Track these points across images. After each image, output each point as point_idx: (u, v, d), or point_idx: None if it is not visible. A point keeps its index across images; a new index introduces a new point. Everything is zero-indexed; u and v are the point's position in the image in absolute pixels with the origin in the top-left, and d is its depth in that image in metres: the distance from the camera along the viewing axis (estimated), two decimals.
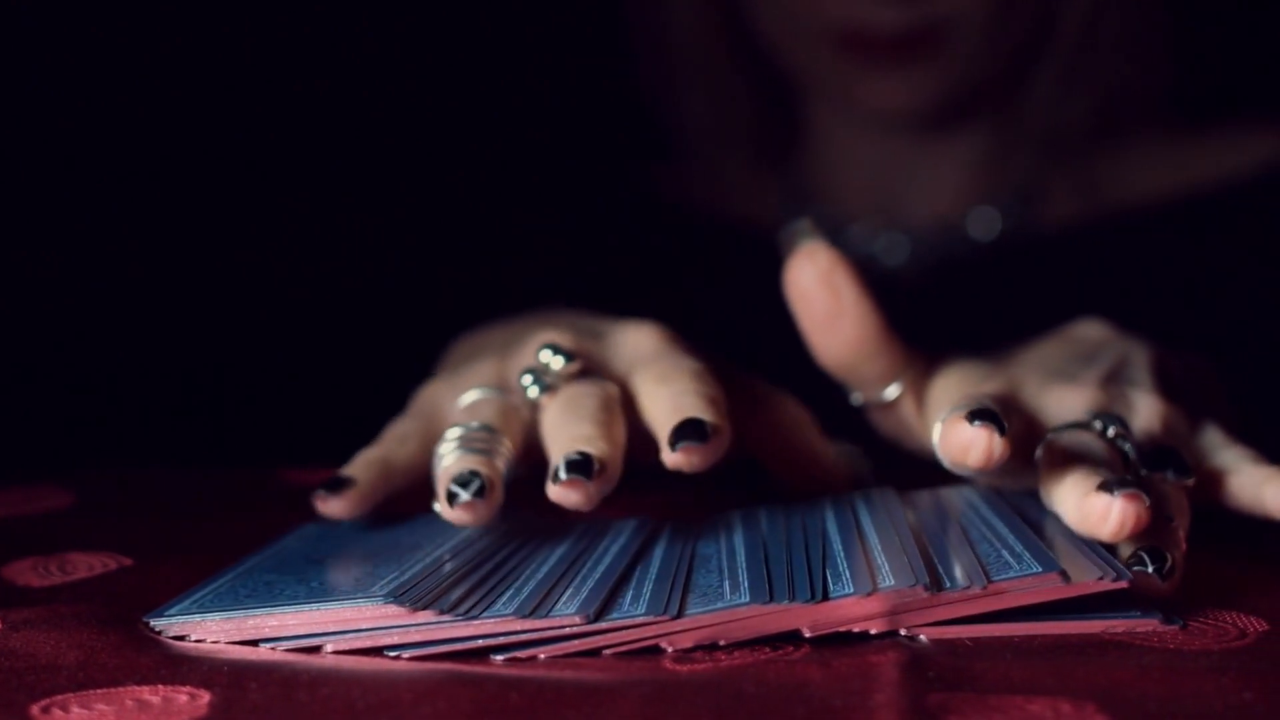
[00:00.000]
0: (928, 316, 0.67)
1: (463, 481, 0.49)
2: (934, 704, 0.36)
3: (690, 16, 0.96)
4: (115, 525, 0.58)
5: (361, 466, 0.55)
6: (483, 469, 0.49)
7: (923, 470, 0.56)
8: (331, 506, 0.54)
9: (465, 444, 0.51)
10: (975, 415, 0.48)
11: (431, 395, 0.59)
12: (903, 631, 0.42)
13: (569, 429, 0.50)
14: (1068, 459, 0.50)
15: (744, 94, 0.98)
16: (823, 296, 0.57)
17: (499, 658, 0.41)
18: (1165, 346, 0.62)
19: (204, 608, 0.45)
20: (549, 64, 1.02)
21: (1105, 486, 0.46)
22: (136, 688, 0.39)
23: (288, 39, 0.99)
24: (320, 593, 0.45)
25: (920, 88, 0.88)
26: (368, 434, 0.59)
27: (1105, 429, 0.52)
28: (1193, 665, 0.39)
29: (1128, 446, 0.51)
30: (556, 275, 0.93)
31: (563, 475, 0.47)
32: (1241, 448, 0.54)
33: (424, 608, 0.42)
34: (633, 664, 0.40)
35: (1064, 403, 0.55)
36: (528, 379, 0.54)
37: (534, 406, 0.54)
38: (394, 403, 0.61)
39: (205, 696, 0.38)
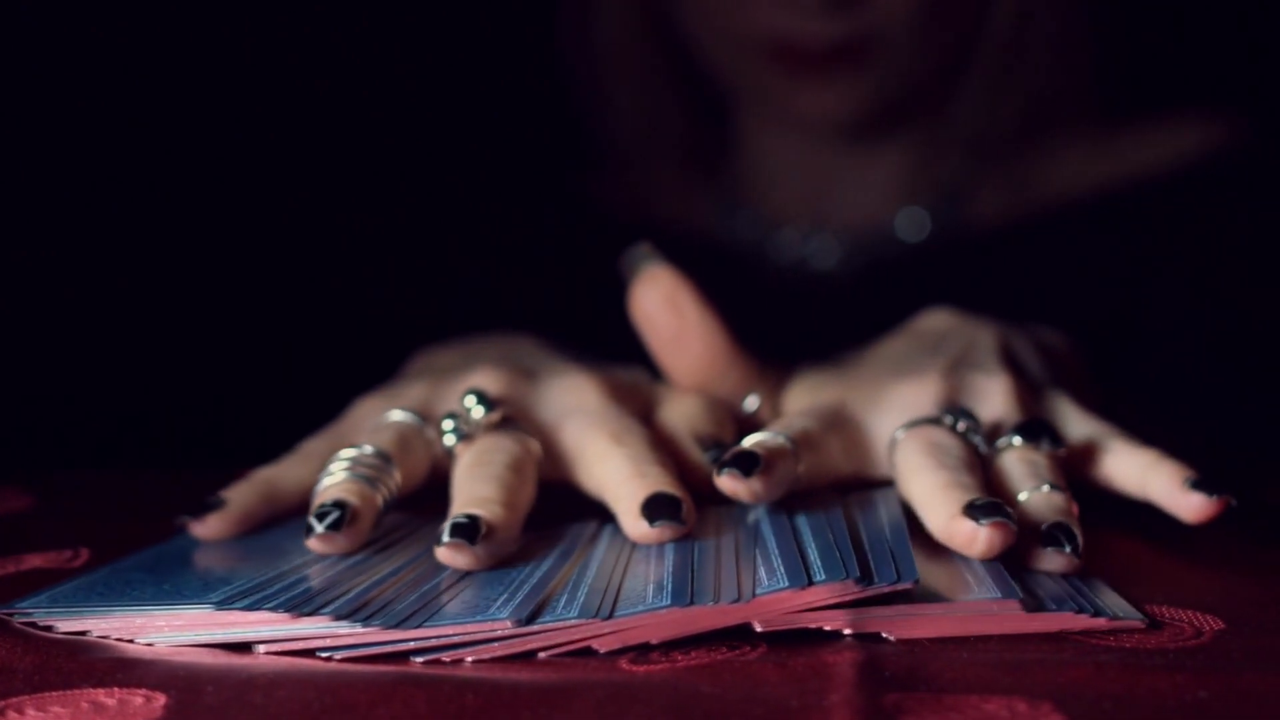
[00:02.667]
0: (859, 318, 0.68)
1: (321, 513, 0.49)
2: (890, 704, 0.36)
3: (619, 26, 0.96)
4: (75, 527, 0.58)
5: (241, 488, 0.55)
6: (352, 499, 0.50)
7: None
8: (198, 529, 0.54)
9: (353, 469, 0.51)
10: (724, 466, 0.50)
11: (359, 411, 0.60)
12: (884, 634, 0.42)
13: (470, 488, 0.50)
14: (924, 463, 0.50)
15: (674, 102, 0.98)
16: (667, 318, 0.58)
17: (419, 659, 0.41)
18: (1015, 326, 0.63)
19: (55, 602, 0.46)
20: (478, 75, 1.02)
21: (972, 511, 0.46)
22: (92, 690, 0.39)
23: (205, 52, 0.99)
24: (168, 594, 0.46)
25: (850, 97, 0.89)
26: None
27: (955, 423, 0.53)
28: (1149, 664, 0.39)
29: (978, 440, 0.52)
30: (492, 284, 0.94)
31: (445, 538, 0.47)
32: (1097, 420, 0.55)
33: (318, 614, 0.43)
34: (589, 665, 0.40)
35: (907, 397, 0.56)
36: (448, 424, 0.55)
37: (446, 451, 0.55)
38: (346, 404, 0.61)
39: (161, 699, 0.38)
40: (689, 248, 0.65)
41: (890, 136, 0.95)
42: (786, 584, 0.42)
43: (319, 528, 0.49)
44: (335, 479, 0.51)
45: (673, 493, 0.49)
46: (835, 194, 0.97)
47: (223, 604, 0.44)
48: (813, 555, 0.44)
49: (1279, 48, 1.02)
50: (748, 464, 0.49)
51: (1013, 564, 0.46)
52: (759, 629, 0.41)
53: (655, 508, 0.49)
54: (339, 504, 0.49)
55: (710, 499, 0.54)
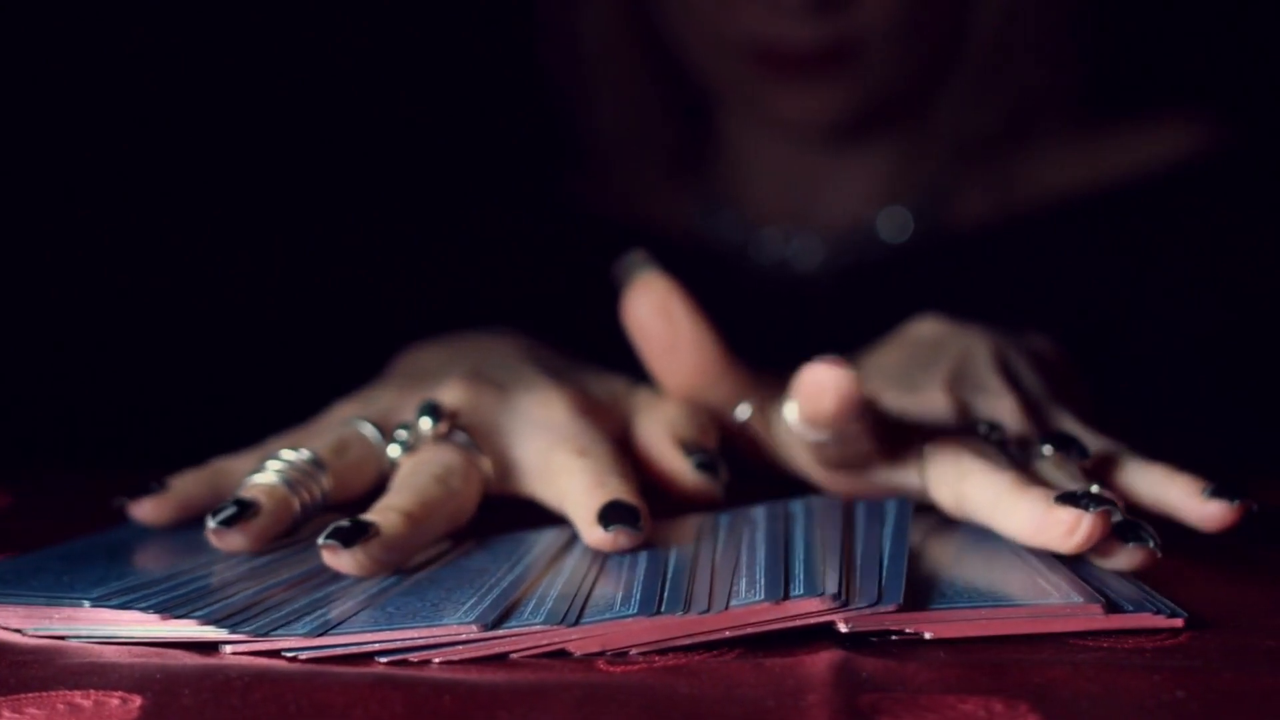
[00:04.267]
0: (842, 319, 0.68)
1: (218, 509, 0.50)
2: (866, 704, 0.36)
3: (602, 27, 0.96)
4: (53, 527, 0.58)
5: (187, 475, 0.56)
6: (260, 498, 0.50)
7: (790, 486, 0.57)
8: (134, 511, 0.54)
9: (283, 471, 0.52)
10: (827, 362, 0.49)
11: (333, 414, 0.60)
12: (908, 629, 0.42)
13: (386, 496, 0.51)
14: (978, 465, 0.50)
15: (657, 103, 0.98)
16: (659, 326, 0.57)
17: (384, 660, 0.41)
18: (1007, 334, 0.63)
19: None
20: (460, 74, 1.02)
21: (1075, 500, 0.46)
22: (68, 692, 0.39)
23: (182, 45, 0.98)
24: (65, 586, 0.46)
25: (834, 101, 0.89)
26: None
27: (988, 433, 0.53)
28: (1126, 664, 0.39)
29: (1011, 450, 0.53)
30: (475, 285, 0.94)
31: (320, 539, 0.47)
32: (1103, 436, 0.55)
33: (189, 617, 0.43)
34: (566, 666, 0.40)
35: (914, 415, 0.55)
36: (400, 434, 0.55)
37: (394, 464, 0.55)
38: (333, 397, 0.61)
39: (137, 700, 0.38)
40: (671, 248, 0.65)
41: (874, 138, 0.95)
42: (762, 597, 0.42)
43: (211, 523, 0.50)
44: (259, 477, 0.52)
45: (630, 502, 0.50)
46: (818, 195, 0.97)
47: (98, 601, 0.44)
48: (798, 568, 0.44)
49: (1265, 49, 1.03)
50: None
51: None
52: (843, 629, 0.41)
53: (611, 514, 0.49)
54: (241, 502, 0.50)
55: (693, 506, 0.54)
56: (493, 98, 1.02)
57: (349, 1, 1.01)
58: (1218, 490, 0.50)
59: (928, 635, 0.42)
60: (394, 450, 0.55)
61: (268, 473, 0.52)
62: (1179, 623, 0.42)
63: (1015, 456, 0.53)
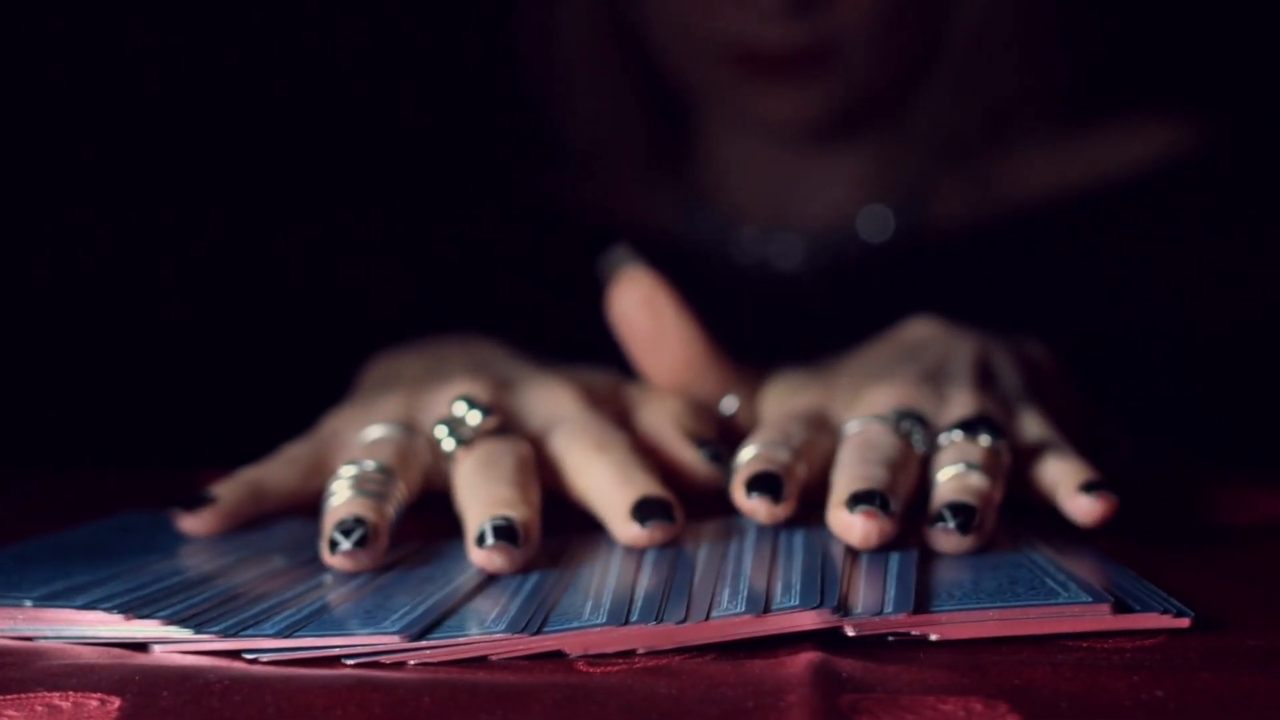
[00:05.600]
0: (823, 318, 0.68)
1: (346, 529, 0.48)
2: (846, 704, 0.36)
3: (582, 27, 0.96)
4: (25, 529, 0.58)
5: (230, 485, 0.55)
6: (369, 515, 0.49)
7: None
8: (188, 524, 0.54)
9: (358, 485, 0.51)
10: (752, 486, 0.50)
11: (336, 423, 0.59)
12: (914, 631, 0.42)
13: (489, 490, 0.50)
14: (849, 458, 0.51)
15: (636, 102, 0.98)
16: (644, 320, 0.58)
17: (350, 661, 0.41)
18: (999, 338, 0.63)
19: None
20: (439, 73, 1.02)
21: (850, 501, 0.47)
22: (47, 694, 0.39)
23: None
24: (9, 586, 0.46)
25: (812, 102, 0.89)
26: (288, 436, 0.59)
27: (898, 422, 0.53)
28: (1106, 664, 0.39)
29: (917, 438, 0.53)
30: (454, 283, 0.94)
31: (489, 541, 0.47)
32: (1051, 430, 0.55)
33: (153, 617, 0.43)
34: (546, 666, 0.40)
35: (874, 401, 0.56)
36: (442, 430, 0.54)
37: (444, 456, 0.54)
38: (312, 402, 0.61)
39: (116, 702, 0.38)
40: (651, 247, 0.65)
41: (853, 137, 0.95)
42: (743, 609, 0.41)
43: (345, 544, 0.48)
44: (344, 498, 0.50)
45: (661, 495, 0.50)
46: (798, 194, 0.97)
47: (40, 601, 0.44)
48: (795, 578, 0.44)
49: (1247, 50, 1.03)
50: (776, 488, 0.50)
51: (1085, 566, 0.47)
52: (850, 633, 0.41)
53: (645, 509, 0.49)
54: (360, 520, 0.49)
55: (703, 497, 0.54)
56: (472, 97, 1.02)
57: (332, 2, 1.01)
58: (1090, 485, 0.50)
59: (934, 637, 0.42)
60: (449, 444, 0.54)
61: (348, 491, 0.51)
62: (1186, 622, 0.42)
63: (918, 447, 0.53)
